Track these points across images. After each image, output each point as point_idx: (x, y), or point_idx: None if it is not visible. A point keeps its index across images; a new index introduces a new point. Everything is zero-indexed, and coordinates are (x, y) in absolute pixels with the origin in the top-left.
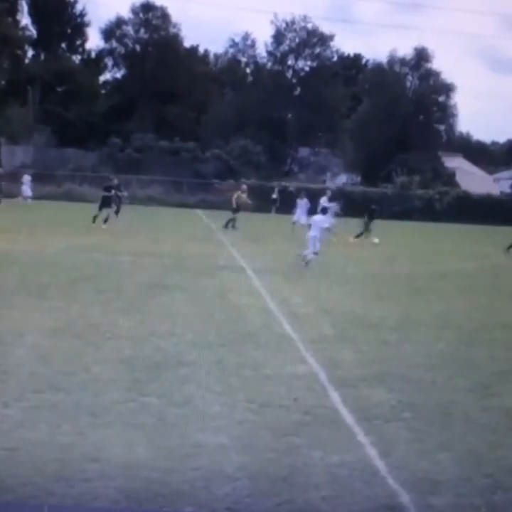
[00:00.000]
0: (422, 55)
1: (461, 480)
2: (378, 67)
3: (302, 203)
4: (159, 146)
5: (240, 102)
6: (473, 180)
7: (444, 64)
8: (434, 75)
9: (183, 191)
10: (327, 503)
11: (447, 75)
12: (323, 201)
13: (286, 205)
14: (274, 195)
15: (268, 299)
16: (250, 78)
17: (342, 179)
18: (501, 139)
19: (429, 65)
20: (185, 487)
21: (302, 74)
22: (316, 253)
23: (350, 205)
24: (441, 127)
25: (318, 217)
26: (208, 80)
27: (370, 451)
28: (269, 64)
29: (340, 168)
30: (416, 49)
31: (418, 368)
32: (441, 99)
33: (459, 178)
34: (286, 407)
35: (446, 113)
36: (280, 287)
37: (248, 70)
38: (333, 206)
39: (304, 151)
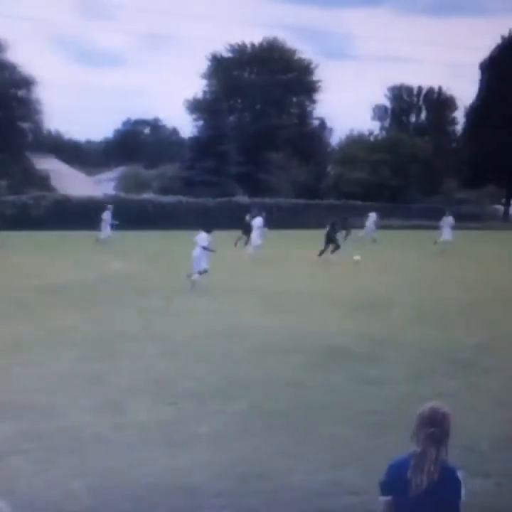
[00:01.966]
0: None
1: (98, 506)
2: None
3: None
4: None
5: None
6: (71, 182)
7: (23, 55)
8: (10, 67)
9: None
10: None
11: (28, 68)
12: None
13: None
14: None
15: None
16: None
17: None
18: (97, 138)
19: (3, 56)
20: None
21: None
22: (200, 273)
23: None
24: (26, 125)
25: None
26: None
27: None
28: None
29: None
30: None
31: (34, 393)
32: (21, 93)
33: (55, 181)
34: None
35: (30, 109)
36: None
37: None
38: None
39: None
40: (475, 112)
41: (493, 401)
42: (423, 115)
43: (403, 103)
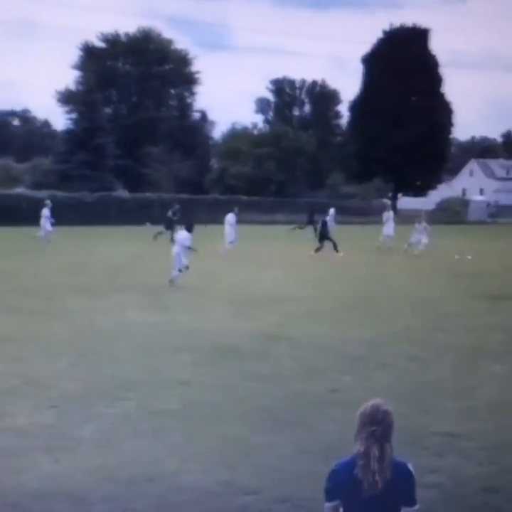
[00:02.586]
0: None
1: None
2: None
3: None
4: None
5: None
6: None
7: None
8: None
9: None
10: None
11: None
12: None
13: None
14: None
15: None
16: None
17: None
18: None
19: None
20: None
21: None
22: (180, 270)
23: None
24: None
25: (182, 234)
26: None
27: None
28: None
29: None
30: None
31: None
32: None
33: None
34: None
35: None
36: None
37: None
38: None
39: None
40: (359, 105)
41: (385, 396)
42: (307, 108)
43: (286, 96)
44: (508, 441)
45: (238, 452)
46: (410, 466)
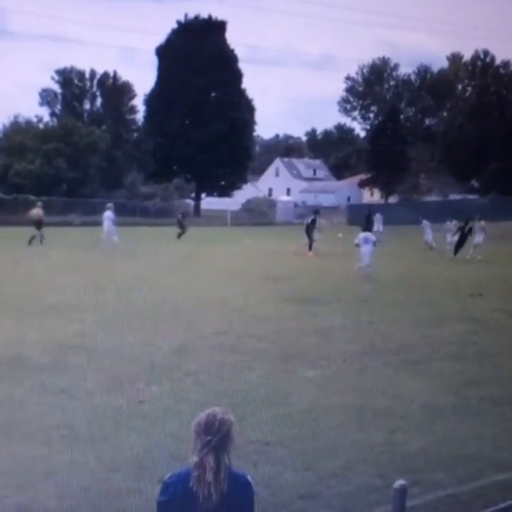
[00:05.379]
0: None
1: None
2: None
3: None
4: None
5: None
6: None
7: None
8: None
9: None
10: None
11: None
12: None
13: None
14: None
15: None
16: None
17: None
18: None
19: None
20: None
21: None
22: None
23: None
24: None
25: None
26: None
27: None
28: None
29: None
30: None
31: None
32: None
33: None
34: None
35: None
36: None
37: None
38: None
39: None
40: (154, 100)
41: (195, 406)
42: (99, 102)
43: (75, 88)
44: (323, 446)
45: (37, 473)
46: (249, 478)
